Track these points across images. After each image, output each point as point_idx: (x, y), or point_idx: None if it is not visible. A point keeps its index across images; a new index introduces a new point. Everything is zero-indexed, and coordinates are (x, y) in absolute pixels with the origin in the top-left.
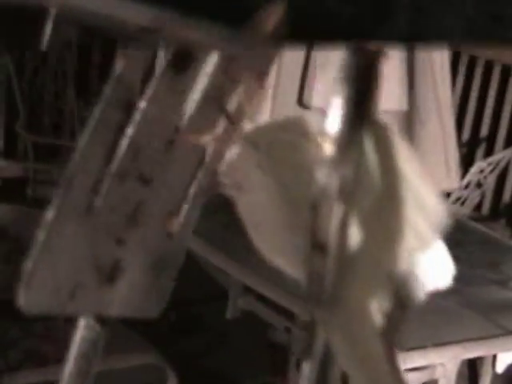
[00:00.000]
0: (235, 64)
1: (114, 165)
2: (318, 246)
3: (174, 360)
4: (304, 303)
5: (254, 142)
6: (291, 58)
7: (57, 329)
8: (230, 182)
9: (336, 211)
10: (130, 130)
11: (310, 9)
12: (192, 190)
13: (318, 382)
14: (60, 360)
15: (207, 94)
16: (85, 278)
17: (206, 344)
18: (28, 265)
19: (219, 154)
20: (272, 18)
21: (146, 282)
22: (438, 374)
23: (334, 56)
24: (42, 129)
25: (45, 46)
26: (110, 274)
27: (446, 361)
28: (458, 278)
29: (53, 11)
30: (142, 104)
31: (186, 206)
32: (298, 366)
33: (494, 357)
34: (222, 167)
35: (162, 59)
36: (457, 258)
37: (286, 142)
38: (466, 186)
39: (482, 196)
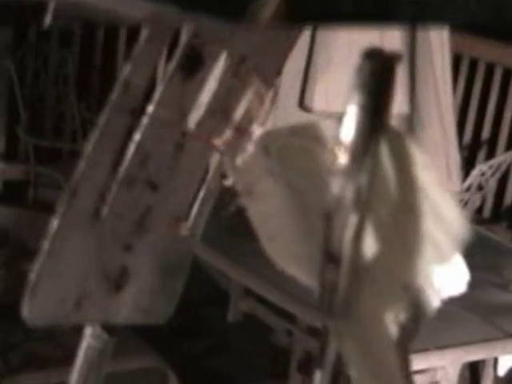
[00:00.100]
0: (244, 67)
1: (122, 171)
2: (331, 257)
3: (175, 363)
4: (316, 312)
5: (265, 146)
6: (293, 61)
7: (58, 332)
8: (241, 187)
9: (350, 221)
10: (137, 136)
11: None
12: (201, 194)
13: None
14: (61, 363)
15: (216, 98)
16: (91, 286)
17: (208, 347)
18: (32, 274)
19: (228, 159)
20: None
21: (154, 287)
22: (440, 377)
23: (335, 59)
24: (44, 132)
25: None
26: (118, 282)
27: (448, 364)
28: None
29: (52, 5)
30: (150, 108)
31: (194, 210)
32: (300, 368)
33: (496, 360)
34: (233, 172)
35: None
36: None
37: (298, 146)
38: (467, 189)
39: (484, 199)
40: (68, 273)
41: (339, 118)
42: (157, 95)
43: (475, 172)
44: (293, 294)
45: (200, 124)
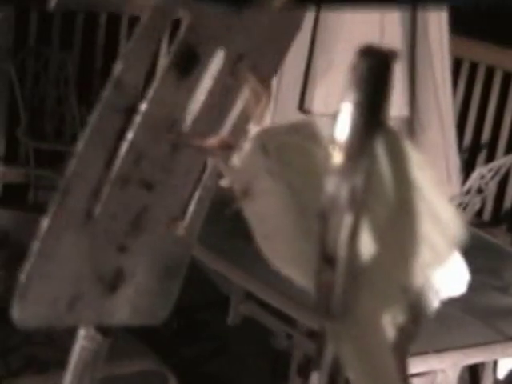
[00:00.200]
0: (241, 66)
1: (115, 170)
2: (327, 258)
3: (175, 366)
4: (313, 314)
5: (263, 145)
6: (292, 63)
7: (57, 335)
8: (238, 186)
9: (346, 222)
10: (130, 134)
11: None
12: (197, 194)
13: None
14: (61, 366)
15: (212, 96)
16: (85, 287)
17: (208, 350)
18: (22, 275)
19: (225, 158)
20: None
21: (151, 287)
22: (439, 380)
23: (335, 62)
24: (44, 134)
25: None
26: (113, 283)
27: (447, 367)
28: None
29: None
30: (143, 106)
31: (191, 210)
32: (299, 372)
33: (495, 363)
34: (228, 172)
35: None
36: None
37: (295, 145)
38: (467, 192)
39: (483, 202)
40: (60, 273)
41: (334, 115)
42: (150, 93)
43: (475, 175)
44: (293, 297)
45: (196, 122)
